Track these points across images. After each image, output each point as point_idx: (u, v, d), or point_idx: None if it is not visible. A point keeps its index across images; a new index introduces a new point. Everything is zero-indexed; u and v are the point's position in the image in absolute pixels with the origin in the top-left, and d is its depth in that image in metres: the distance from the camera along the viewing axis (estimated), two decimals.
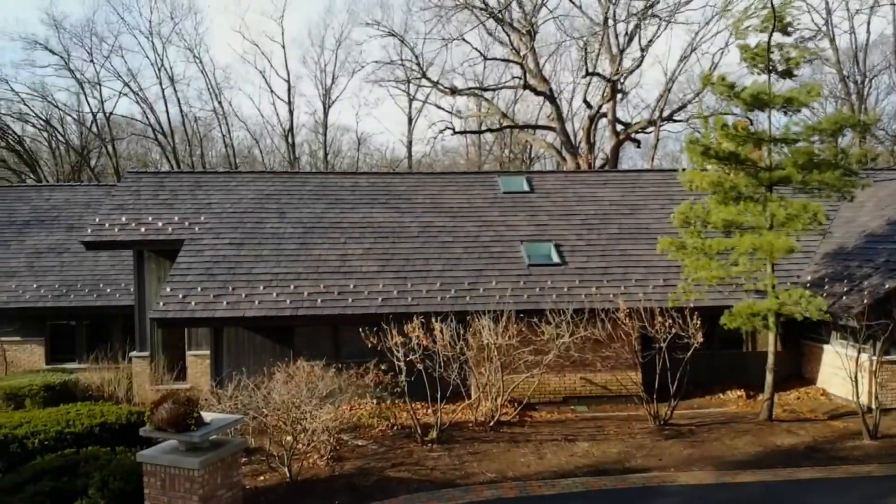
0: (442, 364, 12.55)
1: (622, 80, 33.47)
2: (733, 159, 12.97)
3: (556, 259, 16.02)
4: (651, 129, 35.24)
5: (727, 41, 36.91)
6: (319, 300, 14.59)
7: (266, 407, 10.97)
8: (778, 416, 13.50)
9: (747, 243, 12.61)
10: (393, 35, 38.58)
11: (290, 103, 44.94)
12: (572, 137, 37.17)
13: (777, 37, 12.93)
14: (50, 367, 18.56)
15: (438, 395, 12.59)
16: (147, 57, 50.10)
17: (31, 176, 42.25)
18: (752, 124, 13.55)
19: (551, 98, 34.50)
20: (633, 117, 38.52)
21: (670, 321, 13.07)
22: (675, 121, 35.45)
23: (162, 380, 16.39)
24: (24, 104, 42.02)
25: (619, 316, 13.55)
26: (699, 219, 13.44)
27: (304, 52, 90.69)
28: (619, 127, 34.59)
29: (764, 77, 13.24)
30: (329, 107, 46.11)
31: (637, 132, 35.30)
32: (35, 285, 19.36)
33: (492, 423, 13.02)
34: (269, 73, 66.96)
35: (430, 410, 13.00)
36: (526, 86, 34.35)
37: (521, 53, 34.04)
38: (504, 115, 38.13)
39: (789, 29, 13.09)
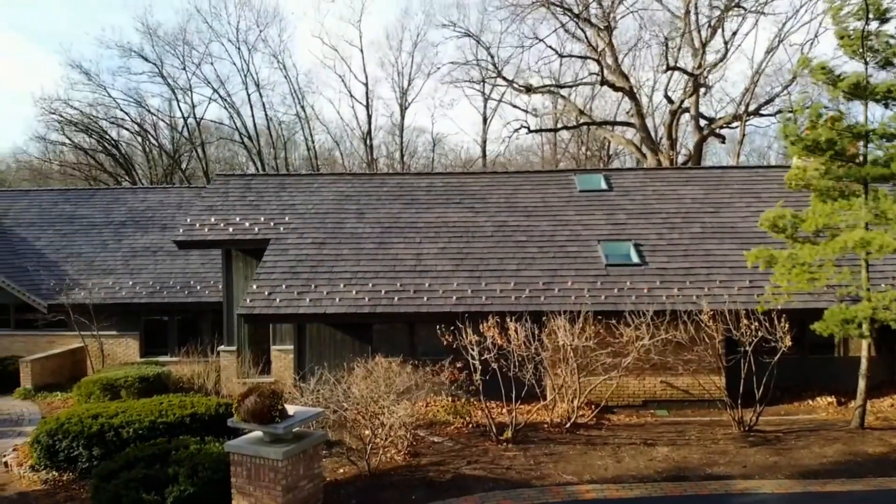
0: (516, 364, 12.53)
1: (705, 74, 32.37)
2: (832, 152, 12.30)
3: (635, 259, 15.69)
4: (736, 124, 33.91)
5: (816, 32, 35.12)
6: (396, 298, 14.85)
7: (346, 401, 11.27)
8: (870, 424, 12.79)
9: (855, 237, 11.81)
10: (468, 35, 38.75)
11: (368, 106, 45.90)
12: (653, 134, 36.25)
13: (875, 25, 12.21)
14: (144, 360, 19.67)
15: (513, 395, 12.58)
16: (234, 64, 52.56)
17: (127, 179, 44.86)
18: (845, 118, 12.83)
19: (631, 94, 33.76)
20: (718, 112, 37.23)
21: (756, 324, 12.57)
22: (762, 115, 33.99)
23: (248, 373, 17.08)
24: (121, 109, 44.72)
25: (703, 318, 13.13)
26: (790, 222, 12.83)
27: (381, 56, 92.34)
28: (703, 122, 33.49)
29: (861, 67, 12.53)
30: (405, 109, 46.80)
31: (721, 127, 34.06)
32: (131, 282, 20.57)
33: (568, 425, 12.89)
34: (348, 77, 68.56)
35: (504, 410, 13.01)
36: (604, 82, 33.74)
37: (599, 49, 33.47)
38: (581, 112, 37.60)
39: (888, 15, 12.33)
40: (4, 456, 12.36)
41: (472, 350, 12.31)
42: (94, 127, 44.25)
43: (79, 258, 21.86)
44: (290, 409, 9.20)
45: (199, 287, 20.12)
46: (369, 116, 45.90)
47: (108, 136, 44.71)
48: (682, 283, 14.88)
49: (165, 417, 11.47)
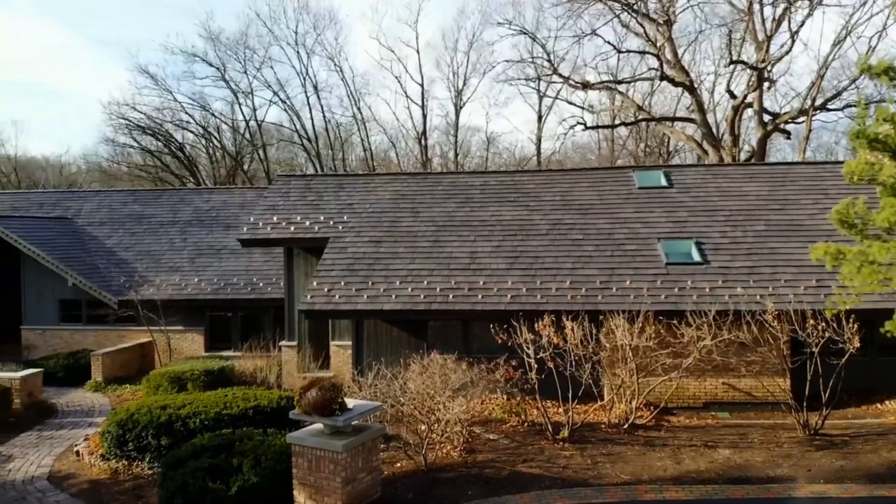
0: (573, 363, 12.43)
1: (769, 68, 31.36)
2: None
3: (697, 257, 15.34)
4: (802, 119, 32.73)
5: (885, 23, 33.53)
6: (451, 296, 14.93)
7: (402, 396, 11.42)
8: None
9: None
10: (524, 33, 38.59)
11: (423, 106, 46.22)
12: (715, 129, 35.34)
13: None
14: (208, 354, 20.33)
15: (570, 394, 12.49)
16: (293, 67, 53.81)
17: (192, 180, 46.42)
18: None
19: (691, 88, 32.99)
20: (783, 107, 35.96)
21: (823, 324, 12.12)
22: (829, 110, 32.74)
23: (308, 367, 17.47)
24: (186, 113, 46.31)
25: (767, 318, 12.76)
26: (860, 218, 12.30)
27: (437, 56, 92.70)
28: (767, 117, 32.45)
29: None
30: (460, 108, 46.93)
31: (787, 122, 32.94)
32: (196, 279, 21.30)
33: (626, 426, 12.72)
34: (403, 77, 69.18)
35: (560, 409, 12.93)
36: (663, 77, 33.08)
37: (658, 44, 32.83)
38: (640, 108, 36.94)
39: None
40: (76, 445, 13.00)
41: (528, 349, 12.28)
42: (161, 130, 45.99)
43: (147, 256, 22.75)
44: (350, 402, 9.39)
45: (261, 284, 20.68)
46: (424, 116, 46.24)
47: (173, 139, 46.40)
48: (746, 282, 14.48)
49: (230, 409, 11.86)
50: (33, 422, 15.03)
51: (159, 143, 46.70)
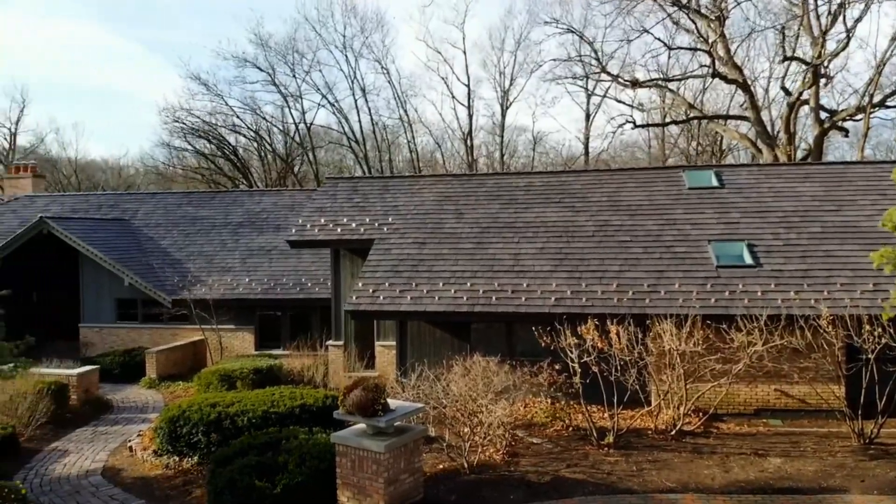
0: (619, 368, 12.24)
1: (825, 64, 30.27)
2: None
3: (748, 260, 14.93)
4: (860, 116, 31.49)
5: None
6: (494, 298, 14.89)
7: (445, 398, 11.45)
8: None
9: None
10: (572, 31, 38.18)
11: (469, 107, 46.22)
12: (769, 127, 34.33)
13: None
14: (258, 353, 20.76)
15: (615, 400, 12.30)
16: (342, 70, 54.44)
17: (244, 182, 47.48)
18: None
19: (744, 86, 32.12)
20: (840, 104, 34.68)
21: (879, 330, 11.65)
22: (888, 107, 31.40)
23: (353, 367, 17.68)
24: (237, 117, 47.40)
25: (821, 323, 12.33)
26: None
27: (483, 56, 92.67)
28: (823, 115, 31.34)
29: None
30: (507, 108, 46.76)
31: (844, 120, 31.73)
32: (247, 279, 21.79)
33: (673, 432, 12.47)
34: (450, 79, 69.35)
35: (605, 414, 12.76)
36: (715, 74, 32.29)
37: (710, 40, 32.06)
38: (691, 106, 36.14)
39: None
40: (130, 441, 13.43)
41: (572, 352, 12.15)
42: (214, 133, 47.21)
43: (200, 256, 23.38)
44: (392, 403, 9.46)
45: (309, 284, 21.02)
46: (470, 117, 46.25)
47: (226, 142, 47.56)
48: (800, 285, 14.02)
49: (277, 408, 12.08)
50: (89, 417, 15.60)
51: (213, 147, 47.97)
